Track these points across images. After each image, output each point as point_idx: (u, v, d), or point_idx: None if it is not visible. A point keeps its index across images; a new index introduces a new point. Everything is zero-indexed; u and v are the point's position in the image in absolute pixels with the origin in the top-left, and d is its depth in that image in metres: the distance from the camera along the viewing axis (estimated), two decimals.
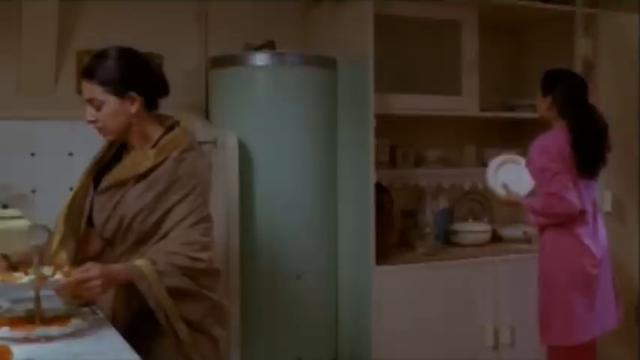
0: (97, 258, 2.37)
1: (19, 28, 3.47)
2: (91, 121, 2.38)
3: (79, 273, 2.13)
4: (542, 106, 3.50)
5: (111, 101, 2.34)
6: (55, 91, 3.62)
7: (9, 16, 3.47)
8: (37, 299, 2.15)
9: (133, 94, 2.36)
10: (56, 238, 2.38)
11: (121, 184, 2.36)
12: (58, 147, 3.55)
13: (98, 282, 2.12)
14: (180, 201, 2.32)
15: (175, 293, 2.26)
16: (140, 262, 2.22)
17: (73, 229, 2.43)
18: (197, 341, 2.32)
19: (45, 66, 3.57)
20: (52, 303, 2.25)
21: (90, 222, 2.46)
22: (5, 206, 3.05)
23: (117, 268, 2.22)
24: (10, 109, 3.50)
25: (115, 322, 2.29)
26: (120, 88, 2.34)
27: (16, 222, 2.86)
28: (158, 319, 2.24)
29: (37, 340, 2.03)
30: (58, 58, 3.60)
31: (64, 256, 2.36)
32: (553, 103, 3.46)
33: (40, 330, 2.07)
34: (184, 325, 2.27)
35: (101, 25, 3.67)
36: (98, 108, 2.35)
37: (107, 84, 2.33)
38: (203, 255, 2.32)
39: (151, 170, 2.34)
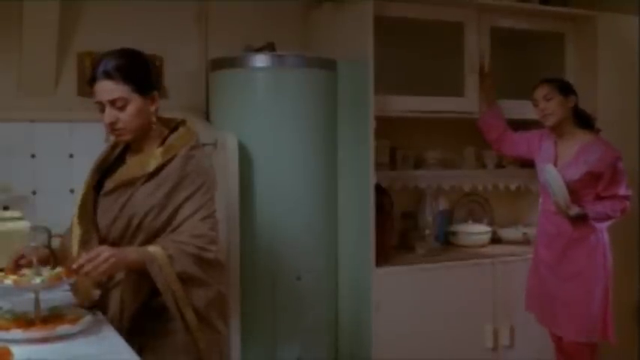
0: None
1: (20, 29, 3.47)
2: (111, 123, 2.35)
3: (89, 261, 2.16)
4: (567, 106, 3.60)
5: (136, 100, 2.35)
6: (55, 93, 3.63)
7: (10, 17, 3.47)
8: (37, 301, 2.17)
9: (155, 93, 2.40)
10: (74, 243, 2.37)
11: (129, 184, 2.38)
12: (59, 148, 3.56)
13: (106, 254, 2.15)
14: (189, 197, 2.36)
15: (184, 279, 2.29)
16: (151, 247, 2.27)
17: (88, 232, 2.42)
18: (203, 331, 2.34)
19: (46, 67, 3.57)
20: (47, 305, 2.26)
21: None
22: (6, 208, 3.06)
23: (128, 248, 2.29)
24: (10, 110, 3.50)
25: (122, 317, 2.30)
26: (145, 86, 2.37)
27: (17, 223, 2.88)
28: (167, 304, 2.27)
29: (54, 339, 2.04)
30: (58, 60, 3.60)
31: None
32: (574, 105, 3.62)
33: (62, 328, 2.08)
34: (192, 312, 2.30)
35: (102, 26, 3.67)
36: (121, 108, 2.34)
37: (133, 82, 2.34)
38: (211, 247, 2.36)
39: (159, 168, 2.37)
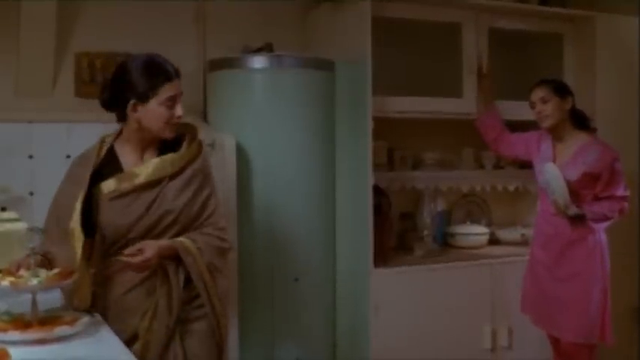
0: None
1: (18, 30, 3.47)
2: (180, 116, 2.51)
3: (135, 256, 2.36)
4: (564, 108, 3.57)
5: None
6: (53, 94, 3.62)
7: (7, 17, 3.47)
8: (34, 302, 2.16)
9: None
10: (77, 247, 2.39)
11: (156, 184, 2.47)
12: (56, 149, 3.55)
13: (149, 254, 2.36)
14: (211, 193, 2.59)
15: (210, 270, 2.52)
16: (184, 240, 2.46)
17: (87, 235, 2.45)
18: (225, 317, 2.62)
19: (43, 68, 3.57)
20: (44, 306, 2.26)
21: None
22: (3, 209, 3.05)
23: (165, 244, 2.43)
24: (8, 111, 3.50)
25: (171, 307, 2.44)
26: None
27: (14, 224, 2.87)
28: (199, 292, 2.49)
29: (51, 340, 2.05)
30: (56, 61, 3.60)
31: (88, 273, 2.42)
32: (571, 106, 3.59)
33: (60, 330, 2.08)
34: (219, 300, 2.55)
35: (100, 27, 3.67)
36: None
37: None
38: (228, 238, 2.63)
39: (184, 167, 2.52)
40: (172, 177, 2.50)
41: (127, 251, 2.37)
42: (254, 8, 4.05)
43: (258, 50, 3.75)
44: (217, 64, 3.72)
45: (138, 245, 2.39)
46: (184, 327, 2.49)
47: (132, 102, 2.44)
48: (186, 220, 2.50)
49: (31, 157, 3.54)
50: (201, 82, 3.87)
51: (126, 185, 2.46)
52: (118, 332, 2.36)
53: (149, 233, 2.46)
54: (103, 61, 3.65)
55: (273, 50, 3.76)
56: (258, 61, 3.61)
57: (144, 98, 2.44)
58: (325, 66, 3.73)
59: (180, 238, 2.46)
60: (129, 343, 2.40)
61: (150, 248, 2.37)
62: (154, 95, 2.44)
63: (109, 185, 2.47)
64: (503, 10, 4.21)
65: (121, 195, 2.46)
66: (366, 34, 3.66)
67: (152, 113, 2.45)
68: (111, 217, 2.45)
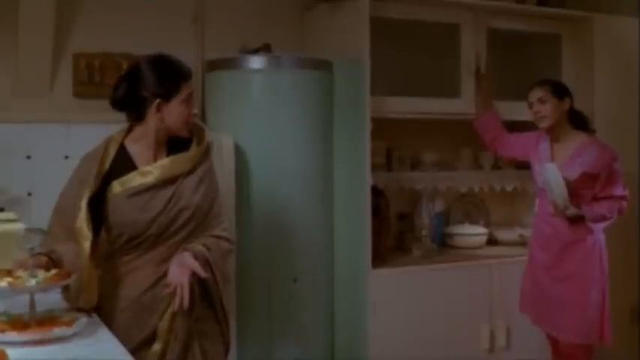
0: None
1: (16, 31, 3.46)
2: (196, 114, 2.59)
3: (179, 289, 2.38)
4: (562, 108, 3.57)
5: None
6: (51, 94, 3.62)
7: (5, 18, 3.47)
8: (32, 302, 2.16)
9: None
10: (86, 245, 2.38)
11: (171, 181, 2.50)
12: (54, 150, 3.55)
13: (186, 282, 2.38)
14: (217, 193, 2.63)
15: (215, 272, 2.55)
16: (201, 249, 2.49)
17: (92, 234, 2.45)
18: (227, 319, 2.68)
19: (41, 68, 3.57)
20: (42, 307, 2.25)
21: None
22: (1, 209, 3.05)
23: (192, 263, 2.42)
24: (6, 111, 3.49)
25: (192, 308, 2.44)
26: None
27: (12, 225, 2.87)
28: (211, 293, 2.54)
29: (50, 341, 2.05)
30: (54, 61, 3.59)
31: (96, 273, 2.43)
32: (570, 107, 3.59)
33: (58, 330, 2.08)
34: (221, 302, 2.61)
35: (98, 28, 3.67)
36: None
37: None
38: (232, 238, 2.69)
39: (195, 166, 2.56)
40: (186, 175, 2.52)
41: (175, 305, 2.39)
42: (252, 9, 4.05)
43: (256, 51, 3.74)
44: (215, 65, 3.71)
45: (172, 287, 2.39)
46: (195, 327, 2.51)
47: (157, 102, 2.45)
48: (201, 217, 2.53)
49: (29, 157, 3.53)
50: (199, 83, 3.87)
51: (146, 181, 2.47)
52: (134, 332, 2.42)
53: (167, 230, 2.48)
54: (101, 62, 3.65)
55: (271, 51, 3.76)
56: (256, 62, 3.61)
57: (168, 97, 2.46)
58: (323, 66, 3.72)
59: (196, 246, 2.48)
60: (147, 342, 2.44)
61: (185, 276, 2.38)
62: (177, 94, 2.47)
63: (126, 182, 2.47)
64: (502, 11, 4.22)
65: (140, 191, 2.46)
66: (364, 35, 3.66)
67: (174, 112, 2.48)
68: (130, 213, 2.45)
